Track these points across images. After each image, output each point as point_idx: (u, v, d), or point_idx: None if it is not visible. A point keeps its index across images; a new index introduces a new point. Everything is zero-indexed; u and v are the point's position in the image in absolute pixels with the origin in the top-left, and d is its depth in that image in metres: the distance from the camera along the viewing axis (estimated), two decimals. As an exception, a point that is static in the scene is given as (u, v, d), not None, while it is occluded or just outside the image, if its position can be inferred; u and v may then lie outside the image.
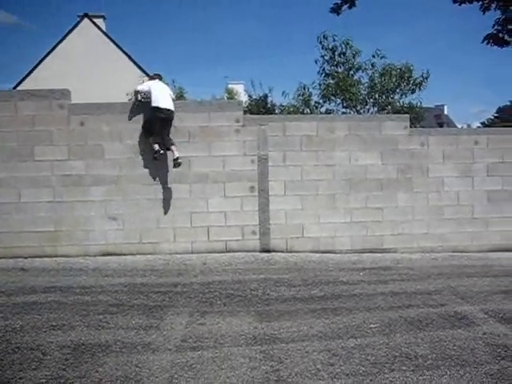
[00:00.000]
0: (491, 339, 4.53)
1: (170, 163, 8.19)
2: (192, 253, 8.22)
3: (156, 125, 8.06)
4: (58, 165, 8.07)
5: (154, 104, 8.01)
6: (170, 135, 8.14)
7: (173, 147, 8.09)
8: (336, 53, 15.53)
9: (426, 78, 15.29)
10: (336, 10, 15.16)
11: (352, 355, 4.15)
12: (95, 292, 6.01)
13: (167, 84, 8.59)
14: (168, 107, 8.08)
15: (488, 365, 3.99)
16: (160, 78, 8.61)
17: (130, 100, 8.41)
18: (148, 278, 6.80)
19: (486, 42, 15.53)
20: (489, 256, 8.55)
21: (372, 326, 4.88)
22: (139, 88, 8.37)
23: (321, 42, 15.52)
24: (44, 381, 3.65)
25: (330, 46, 15.48)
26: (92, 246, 8.12)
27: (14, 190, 8.01)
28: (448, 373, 3.84)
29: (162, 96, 8.12)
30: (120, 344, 4.36)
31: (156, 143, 8.06)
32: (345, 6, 15.03)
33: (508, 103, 53.47)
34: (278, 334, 4.66)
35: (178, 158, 7.99)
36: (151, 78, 8.63)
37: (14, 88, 24.81)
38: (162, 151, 8.06)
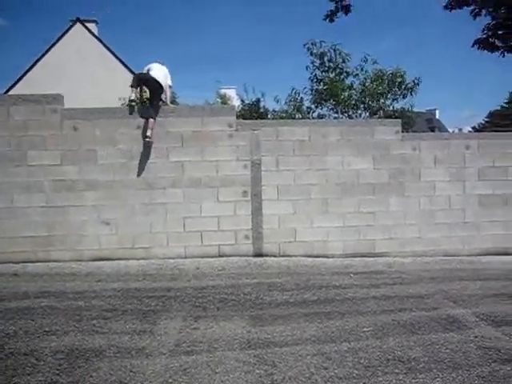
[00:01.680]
0: (483, 342, 4.58)
1: (164, 168, 8.22)
2: (185, 257, 8.23)
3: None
4: (51, 170, 8.07)
5: None
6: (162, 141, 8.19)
7: (150, 120, 8.19)
8: (325, 58, 15.59)
9: (418, 84, 15.37)
10: (330, 16, 15.26)
11: (345, 359, 4.18)
12: (88, 297, 6.01)
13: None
14: (148, 71, 8.47)
15: (480, 367, 4.03)
16: (161, 63, 8.83)
17: (122, 105, 8.41)
18: (141, 282, 6.80)
19: (476, 46, 15.71)
20: (480, 260, 8.62)
21: (365, 329, 4.91)
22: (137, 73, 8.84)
23: (308, 49, 15.58)
24: (38, 386, 3.65)
25: (319, 52, 15.54)
26: (85, 251, 8.12)
27: (7, 195, 8.00)
28: (440, 375, 3.88)
29: (150, 68, 8.55)
30: (114, 349, 4.36)
31: (150, 128, 8.20)
32: (340, 13, 15.14)
33: (498, 108, 53.83)
34: (272, 338, 4.68)
35: (146, 137, 8.17)
36: None
37: (5, 92, 24.71)
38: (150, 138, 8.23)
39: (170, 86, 8.75)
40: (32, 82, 24.60)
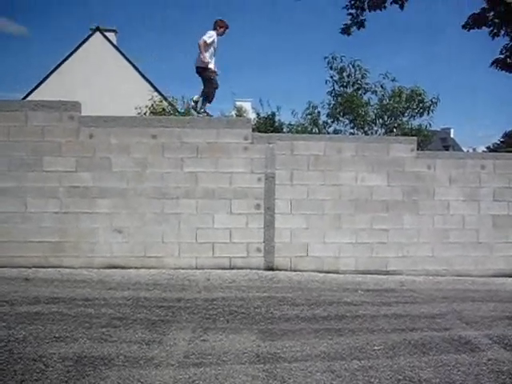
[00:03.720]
0: (496, 365, 4.50)
1: (178, 179, 8.24)
2: (196, 268, 8.21)
3: None
4: (65, 176, 8.11)
5: None
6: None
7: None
8: (344, 73, 15.64)
9: (436, 103, 15.34)
10: (346, 30, 15.43)
11: (355, 377, 4.13)
12: (98, 304, 6.00)
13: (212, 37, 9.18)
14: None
15: (492, 391, 3.96)
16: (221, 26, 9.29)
17: (138, 114, 8.48)
18: (152, 292, 6.79)
19: (493, 66, 15.69)
20: (493, 281, 8.51)
21: (376, 347, 4.85)
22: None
23: (328, 63, 15.66)
24: (46, 392, 3.64)
25: (339, 67, 15.61)
26: (96, 258, 8.13)
27: (21, 200, 8.05)
28: (452, 398, 3.81)
29: None
30: (123, 358, 4.34)
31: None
32: (354, 28, 15.30)
33: (514, 128, 53.57)
34: (281, 353, 4.64)
35: (196, 101, 9.36)
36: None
37: (24, 98, 25.03)
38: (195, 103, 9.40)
39: (205, 42, 8.97)
40: (50, 89, 24.91)
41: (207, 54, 8.99)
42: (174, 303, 6.20)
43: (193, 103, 9.51)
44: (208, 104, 9.38)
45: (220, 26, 9.15)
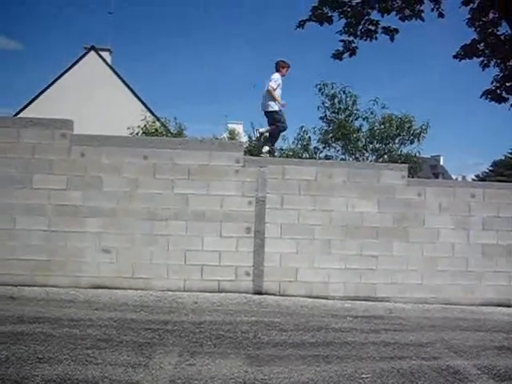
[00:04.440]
0: (484, 396, 4.47)
1: (168, 200, 8.21)
2: (184, 291, 8.14)
3: None
4: (55, 194, 8.06)
5: None
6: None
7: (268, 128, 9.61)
8: (336, 100, 15.82)
9: (426, 130, 15.51)
10: (338, 56, 15.61)
11: (343, 405, 4.08)
12: (84, 325, 5.91)
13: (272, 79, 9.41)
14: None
15: (481, 423, 3.92)
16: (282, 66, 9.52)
17: (131, 134, 8.49)
18: (138, 313, 6.71)
19: (484, 97, 15.92)
20: (482, 310, 8.50)
21: (364, 376, 4.80)
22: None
23: (320, 90, 15.84)
24: (27, 416, 3.56)
25: (330, 94, 15.79)
26: (83, 278, 8.04)
27: (9, 217, 7.97)
28: (440, 429, 3.77)
29: None
30: (107, 381, 4.26)
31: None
32: (346, 54, 15.50)
33: (502, 157, 54.23)
34: (269, 379, 4.57)
35: (261, 133, 9.59)
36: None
37: (15, 115, 25.00)
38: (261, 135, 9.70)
39: (274, 89, 9.19)
40: (42, 107, 24.88)
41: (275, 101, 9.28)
42: (161, 326, 6.12)
43: (258, 134, 9.80)
44: (270, 145, 9.52)
45: (282, 67, 9.44)
